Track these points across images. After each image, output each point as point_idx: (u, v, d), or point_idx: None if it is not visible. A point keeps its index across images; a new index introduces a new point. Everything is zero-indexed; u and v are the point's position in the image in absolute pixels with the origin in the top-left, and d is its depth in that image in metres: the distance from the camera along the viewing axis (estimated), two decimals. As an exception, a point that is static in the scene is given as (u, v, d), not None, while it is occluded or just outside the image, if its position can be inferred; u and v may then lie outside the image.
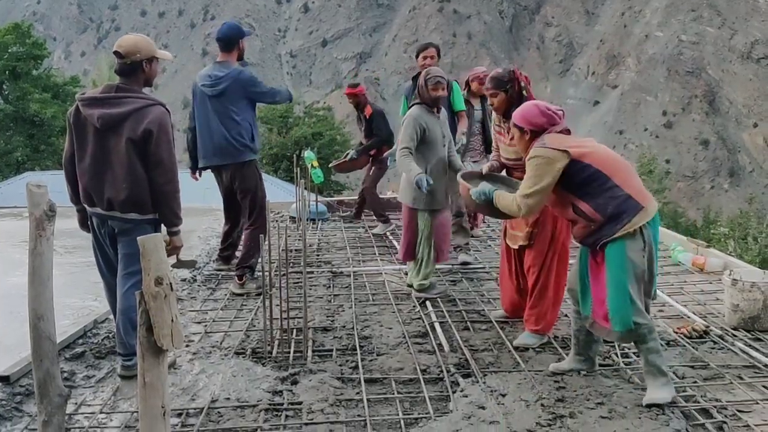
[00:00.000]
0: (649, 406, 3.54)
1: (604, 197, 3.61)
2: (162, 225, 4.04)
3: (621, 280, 3.59)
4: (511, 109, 4.55)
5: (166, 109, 3.94)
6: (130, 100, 3.86)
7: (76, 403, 3.77)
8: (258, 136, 6.03)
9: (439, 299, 5.57)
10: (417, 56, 7.01)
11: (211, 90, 5.74)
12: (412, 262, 5.69)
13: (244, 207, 5.96)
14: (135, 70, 3.94)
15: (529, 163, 3.73)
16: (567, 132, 3.84)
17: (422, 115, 5.43)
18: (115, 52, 3.92)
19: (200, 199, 12.94)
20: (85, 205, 4.03)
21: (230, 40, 5.81)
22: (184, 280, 6.24)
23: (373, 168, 8.65)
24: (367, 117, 8.49)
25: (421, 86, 5.52)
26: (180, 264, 4.38)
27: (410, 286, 5.79)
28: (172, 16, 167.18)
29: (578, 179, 3.65)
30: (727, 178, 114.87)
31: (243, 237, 6.11)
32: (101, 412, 3.69)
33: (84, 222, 4.20)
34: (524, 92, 4.63)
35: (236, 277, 5.95)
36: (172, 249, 4.04)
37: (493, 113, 4.99)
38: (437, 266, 5.91)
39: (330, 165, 8.83)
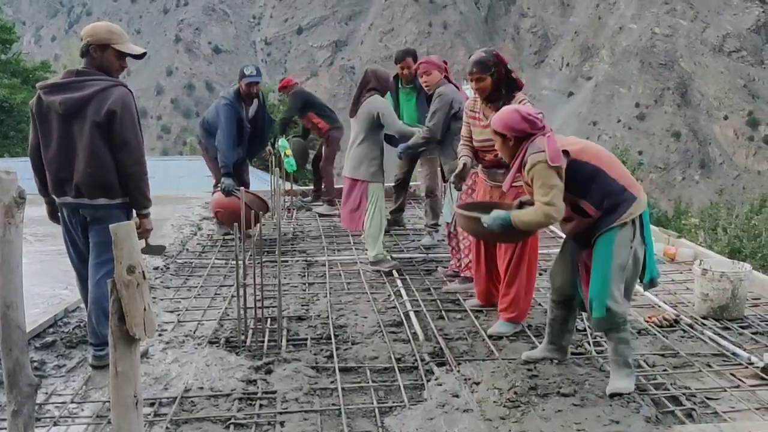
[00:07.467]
0: (612, 395, 3.59)
1: (603, 192, 3.62)
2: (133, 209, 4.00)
3: (604, 267, 3.63)
4: (496, 93, 4.57)
5: (129, 90, 3.87)
6: (92, 83, 3.80)
7: (46, 393, 3.72)
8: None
9: (414, 288, 5.60)
10: (396, 63, 7.16)
11: None
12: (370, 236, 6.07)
13: None
14: (86, 54, 3.88)
15: (534, 171, 3.61)
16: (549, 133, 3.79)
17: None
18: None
19: (174, 186, 12.85)
20: (54, 196, 3.95)
21: None
22: (156, 268, 6.18)
23: (324, 147, 9.15)
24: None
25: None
26: (149, 249, 4.31)
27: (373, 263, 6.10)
28: (145, 1, 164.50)
29: (579, 179, 3.62)
30: (698, 169, 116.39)
31: None
32: (72, 402, 3.65)
33: (53, 214, 4.13)
34: (512, 74, 4.61)
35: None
36: (143, 232, 4.00)
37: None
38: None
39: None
